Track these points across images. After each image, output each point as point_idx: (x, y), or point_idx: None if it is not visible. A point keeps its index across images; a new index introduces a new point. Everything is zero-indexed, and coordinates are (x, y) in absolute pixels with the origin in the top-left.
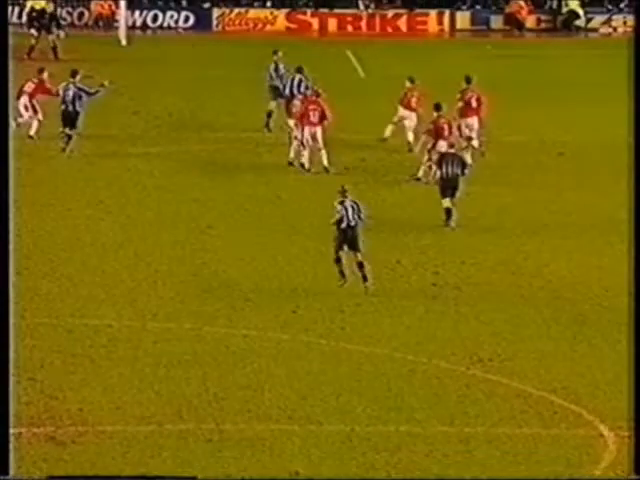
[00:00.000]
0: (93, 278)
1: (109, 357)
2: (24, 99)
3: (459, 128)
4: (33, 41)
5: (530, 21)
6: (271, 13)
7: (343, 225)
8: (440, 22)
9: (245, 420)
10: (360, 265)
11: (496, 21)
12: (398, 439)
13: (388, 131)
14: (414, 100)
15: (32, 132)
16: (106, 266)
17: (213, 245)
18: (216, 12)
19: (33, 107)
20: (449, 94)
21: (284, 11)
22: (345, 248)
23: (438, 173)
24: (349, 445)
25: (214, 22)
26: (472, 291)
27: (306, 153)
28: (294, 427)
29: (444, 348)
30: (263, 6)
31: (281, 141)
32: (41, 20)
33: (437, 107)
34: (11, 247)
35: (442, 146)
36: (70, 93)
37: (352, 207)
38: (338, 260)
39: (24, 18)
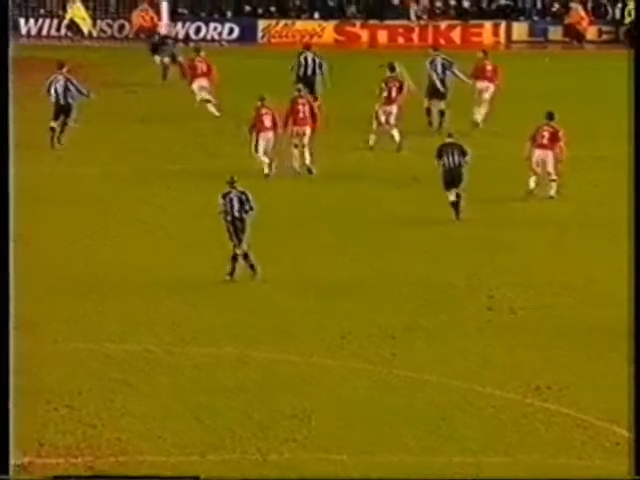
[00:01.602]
0: (132, 300)
1: (149, 383)
2: None
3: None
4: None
5: (591, 32)
6: (319, 25)
7: (229, 217)
8: (496, 33)
9: (291, 450)
10: (245, 256)
11: (554, 32)
12: (451, 470)
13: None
14: None
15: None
16: (145, 288)
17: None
18: (262, 24)
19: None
20: (504, 107)
21: (333, 23)
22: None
23: (439, 164)
24: (400, 476)
25: (259, 34)
26: (528, 315)
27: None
28: (342, 457)
29: (499, 375)
30: (310, 17)
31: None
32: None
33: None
34: (43, 266)
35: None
36: (59, 86)
37: (238, 198)
38: (245, 255)
39: (62, 31)
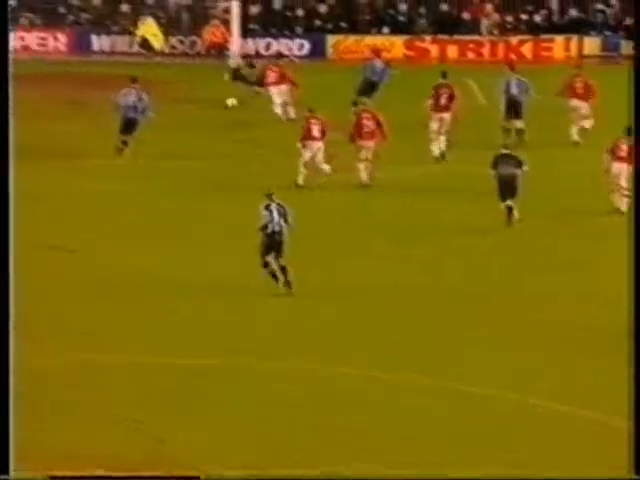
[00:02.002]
0: (193, 313)
1: (215, 398)
2: None
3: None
4: None
5: None
6: (388, 40)
7: (268, 230)
8: (567, 48)
9: (352, 465)
10: (283, 269)
11: (628, 47)
12: None
13: None
14: None
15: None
16: (205, 302)
17: None
18: (331, 39)
19: None
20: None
21: (402, 38)
22: (272, 253)
23: (494, 174)
24: None
25: (329, 50)
26: (585, 329)
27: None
28: (402, 471)
29: (557, 388)
30: (380, 32)
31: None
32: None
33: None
34: (95, 277)
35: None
36: (130, 100)
37: (278, 211)
38: (266, 264)
39: (135, 47)
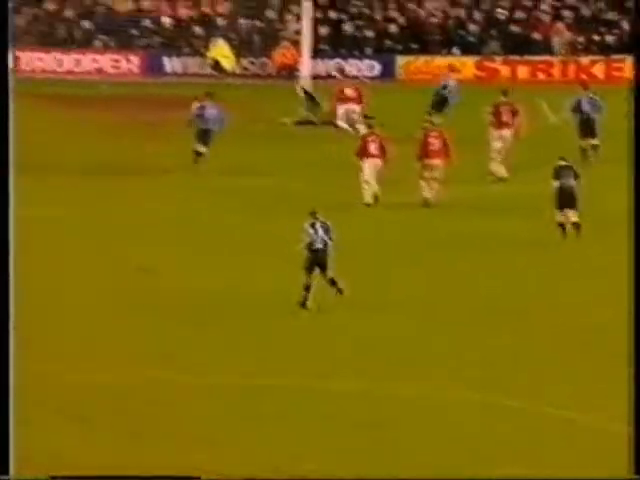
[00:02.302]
0: (262, 333)
1: (284, 418)
2: None
3: None
4: None
5: None
6: (459, 60)
7: (313, 247)
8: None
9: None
10: (332, 282)
11: None
12: None
13: None
14: None
15: None
16: (275, 322)
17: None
18: (401, 60)
19: None
20: None
21: (473, 58)
22: (316, 270)
23: (555, 186)
24: None
25: (399, 70)
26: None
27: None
28: None
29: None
30: (450, 53)
31: None
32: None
33: None
34: (170, 296)
35: None
36: (207, 113)
37: (323, 229)
38: (308, 288)
39: (206, 69)
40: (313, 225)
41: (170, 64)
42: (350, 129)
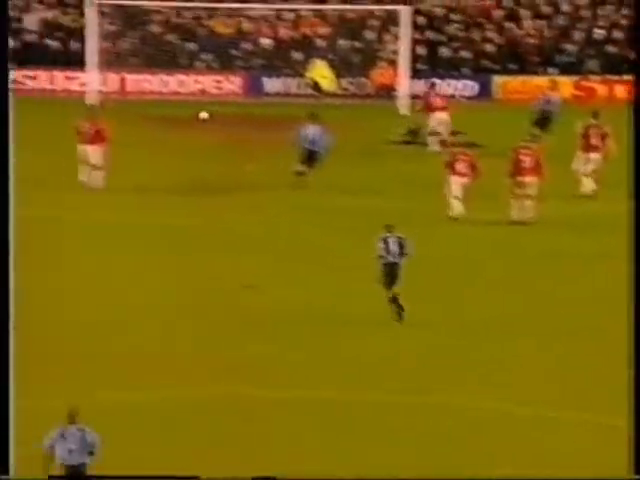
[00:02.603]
0: (352, 347)
1: (367, 430)
2: None
3: None
4: None
5: None
6: (556, 80)
7: (384, 261)
8: None
9: None
10: (394, 299)
11: None
12: None
13: None
14: None
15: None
16: (367, 335)
17: None
18: (498, 80)
19: None
20: None
21: (571, 78)
22: (390, 284)
23: None
24: None
25: (496, 90)
26: None
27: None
28: None
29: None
30: (547, 73)
31: None
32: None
33: None
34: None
35: None
36: (311, 134)
37: (396, 243)
38: (394, 299)
39: (305, 89)
40: (385, 240)
41: (270, 85)
42: (441, 149)
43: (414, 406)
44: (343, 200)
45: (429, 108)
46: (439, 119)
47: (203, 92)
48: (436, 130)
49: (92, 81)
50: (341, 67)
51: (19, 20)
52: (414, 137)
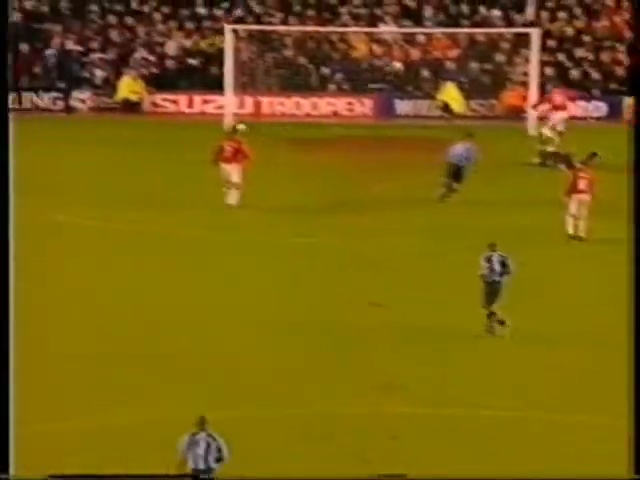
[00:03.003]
0: (449, 362)
1: (460, 445)
2: None
3: None
4: None
5: None
6: None
7: (488, 279)
8: None
9: None
10: (491, 314)
11: None
12: None
13: None
14: None
15: None
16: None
17: None
18: (628, 101)
19: None
20: None
21: None
22: (492, 301)
23: None
24: None
25: (626, 111)
26: None
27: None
28: None
29: None
30: None
31: None
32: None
33: None
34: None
35: None
36: (458, 149)
37: (499, 261)
38: (491, 314)
39: (435, 111)
40: (489, 258)
41: (401, 106)
42: (567, 169)
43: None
44: (471, 218)
45: (553, 107)
46: (559, 118)
47: (335, 114)
48: (565, 152)
49: (229, 104)
50: (470, 89)
51: (162, 45)
52: (544, 158)
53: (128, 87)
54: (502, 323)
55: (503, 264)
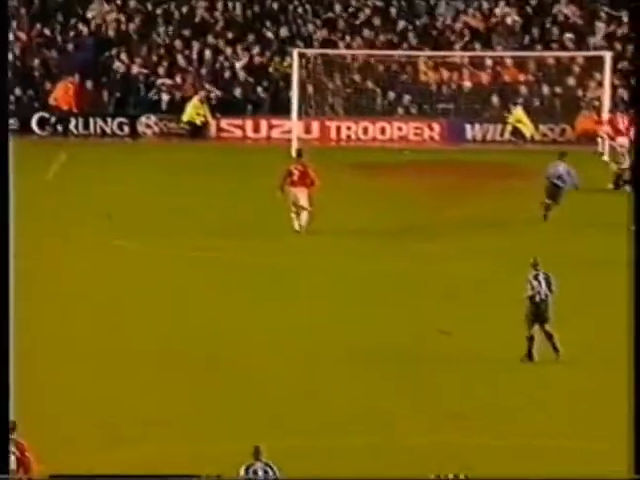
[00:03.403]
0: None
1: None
2: None
3: None
4: None
5: None
6: None
7: (537, 299)
8: None
9: None
10: (549, 336)
11: None
12: None
13: None
14: None
15: None
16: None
17: None
18: None
19: None
20: None
21: None
22: (538, 322)
23: None
24: None
25: None
26: None
27: None
28: None
29: None
30: None
31: None
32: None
33: None
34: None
35: None
36: (559, 169)
37: (545, 280)
38: (531, 339)
39: (505, 135)
40: (536, 277)
41: (470, 131)
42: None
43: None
44: (546, 244)
45: (616, 133)
46: (620, 143)
47: (403, 139)
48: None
49: (295, 128)
50: (541, 113)
51: (229, 69)
52: (617, 181)
53: (195, 109)
54: (556, 350)
55: (548, 283)
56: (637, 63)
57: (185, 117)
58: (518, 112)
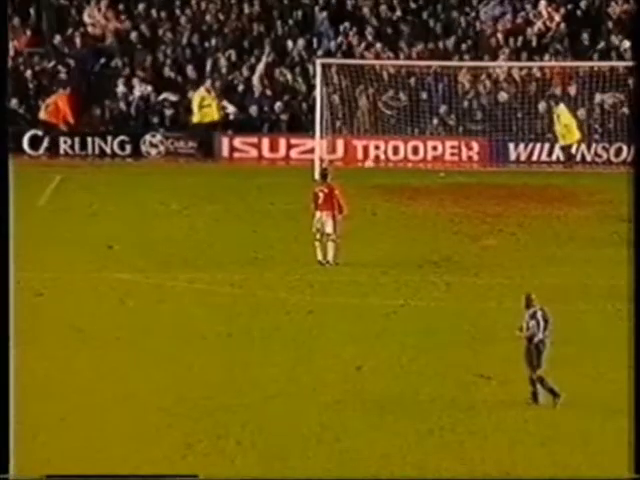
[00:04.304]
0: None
1: None
2: None
3: None
4: None
5: None
6: None
7: (536, 340)
8: None
9: None
10: (541, 380)
11: None
12: None
13: None
14: None
15: None
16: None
17: None
18: None
19: None
20: None
21: None
22: (534, 365)
23: None
24: None
25: None
26: None
27: None
28: None
29: None
30: None
31: None
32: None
33: None
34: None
35: None
36: None
37: (543, 317)
38: (542, 380)
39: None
40: (534, 315)
41: (515, 151)
42: None
43: None
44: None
45: None
46: None
47: (438, 159)
48: None
49: (318, 147)
50: (596, 131)
51: (248, 81)
52: None
53: (201, 100)
54: (556, 395)
55: (545, 319)
56: None
57: (195, 118)
58: (563, 112)
